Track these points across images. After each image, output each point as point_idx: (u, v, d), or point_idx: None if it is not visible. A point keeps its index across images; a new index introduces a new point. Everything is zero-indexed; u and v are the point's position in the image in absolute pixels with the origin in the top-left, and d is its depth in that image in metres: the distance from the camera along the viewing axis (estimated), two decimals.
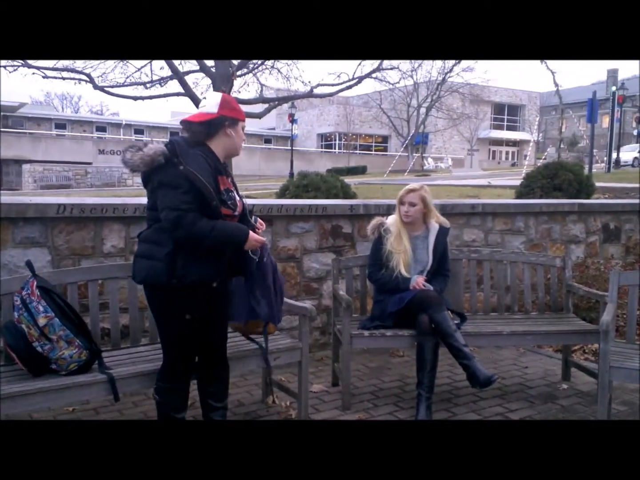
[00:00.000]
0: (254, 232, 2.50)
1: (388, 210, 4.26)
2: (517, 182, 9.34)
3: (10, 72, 12.46)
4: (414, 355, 3.33)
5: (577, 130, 39.42)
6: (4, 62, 12.38)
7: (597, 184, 8.47)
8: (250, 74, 14.23)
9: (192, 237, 2.29)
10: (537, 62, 17.41)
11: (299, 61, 14.69)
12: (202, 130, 2.42)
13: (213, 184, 2.33)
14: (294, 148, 32.11)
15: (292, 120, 31.35)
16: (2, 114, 36.08)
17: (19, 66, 12.11)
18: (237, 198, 2.51)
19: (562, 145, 20.42)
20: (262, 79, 14.90)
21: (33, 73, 12.42)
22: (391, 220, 3.54)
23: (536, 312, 3.99)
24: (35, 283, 2.46)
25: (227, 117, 2.43)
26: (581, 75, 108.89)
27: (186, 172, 2.27)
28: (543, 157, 28.69)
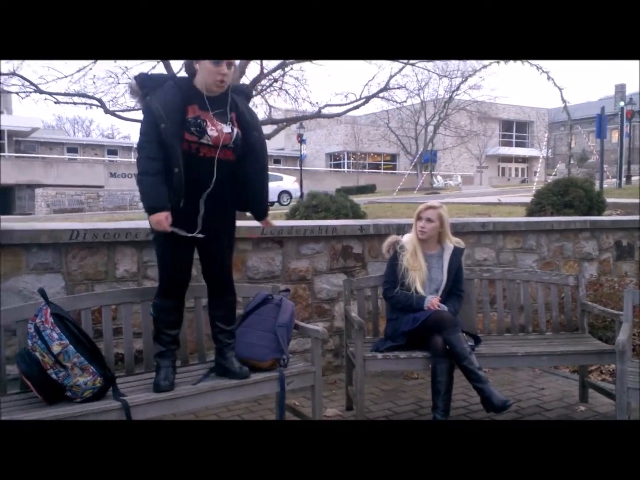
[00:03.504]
0: None
1: (398, 230, 4.26)
2: (528, 199, 9.32)
3: (22, 98, 12.67)
4: (428, 377, 3.30)
5: (587, 145, 39.33)
6: (16, 89, 12.60)
7: (609, 200, 8.42)
8: (259, 96, 14.38)
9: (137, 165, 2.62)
10: (544, 78, 17.44)
11: (307, 82, 14.83)
12: (186, 68, 2.72)
13: (175, 110, 2.57)
14: (303, 168, 32.29)
15: (301, 141, 31.56)
16: (14, 139, 36.66)
17: (31, 92, 12.33)
18: (220, 129, 2.66)
19: (572, 161, 20.28)
20: (270, 100, 15.05)
21: (45, 99, 12.62)
22: (407, 238, 3.57)
23: (551, 332, 3.95)
24: (48, 311, 2.47)
25: None
26: (589, 91, 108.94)
27: (148, 102, 2.61)
28: (553, 173, 28.58)
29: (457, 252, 3.56)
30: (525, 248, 5.00)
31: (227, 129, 2.69)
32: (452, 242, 3.56)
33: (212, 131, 2.64)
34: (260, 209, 2.97)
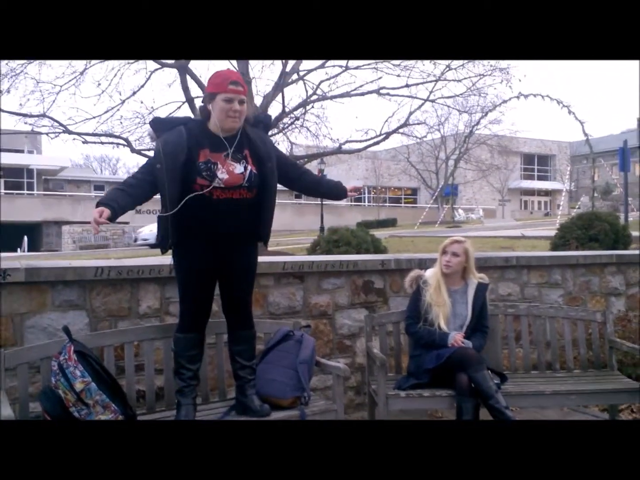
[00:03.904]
0: None
1: (420, 264, 4.23)
2: (551, 233, 9.23)
3: (52, 138, 13.05)
4: (453, 416, 3.22)
5: (610, 178, 38.97)
6: (45, 129, 12.98)
7: (634, 234, 8.29)
8: (281, 134, 14.62)
9: None
10: (565, 112, 17.47)
11: (328, 119, 15.05)
12: (201, 111, 2.80)
13: (177, 154, 2.60)
14: (323, 202, 32.43)
15: (322, 176, 31.80)
16: (43, 177, 37.70)
17: (60, 132, 12.68)
18: (231, 170, 2.68)
19: (595, 194, 20.10)
20: (292, 137, 15.28)
21: (74, 139, 12.96)
22: (430, 273, 3.54)
23: (579, 369, 3.85)
24: (72, 348, 2.50)
25: (206, 94, 2.74)
26: (610, 124, 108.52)
27: (157, 143, 2.70)
28: (577, 207, 28.28)
29: (481, 288, 3.52)
30: (550, 283, 4.91)
31: (239, 168, 2.70)
32: (476, 277, 3.53)
33: (222, 174, 2.66)
34: (266, 236, 2.94)
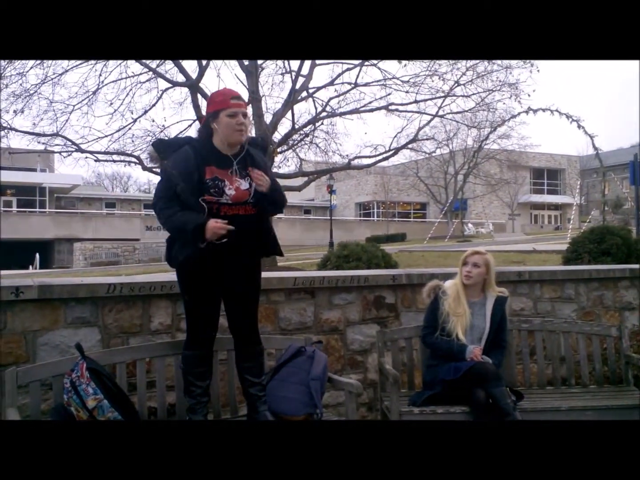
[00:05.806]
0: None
1: (431, 279, 4.20)
2: (563, 247, 9.16)
3: (64, 157, 13.19)
4: None
5: (621, 192, 38.75)
6: (58, 148, 13.12)
7: None
8: (290, 150, 14.70)
9: (160, 223, 2.75)
10: (575, 126, 17.45)
11: (337, 136, 15.14)
12: (202, 132, 2.81)
13: (190, 173, 2.62)
14: (333, 218, 32.51)
15: (331, 191, 31.91)
16: (55, 195, 38.09)
17: (72, 151, 12.82)
18: (237, 186, 2.72)
19: (606, 208, 19.96)
20: (301, 154, 15.35)
21: (86, 157, 13.08)
22: (449, 283, 3.52)
23: (594, 384, 3.80)
24: (85, 365, 2.50)
25: (209, 114, 2.76)
26: (619, 137, 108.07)
27: (164, 166, 2.71)
28: (587, 220, 28.10)
29: (500, 301, 3.49)
30: (563, 297, 4.86)
31: (245, 185, 2.75)
32: (495, 291, 3.51)
33: (230, 190, 2.70)
34: (279, 250, 2.98)
